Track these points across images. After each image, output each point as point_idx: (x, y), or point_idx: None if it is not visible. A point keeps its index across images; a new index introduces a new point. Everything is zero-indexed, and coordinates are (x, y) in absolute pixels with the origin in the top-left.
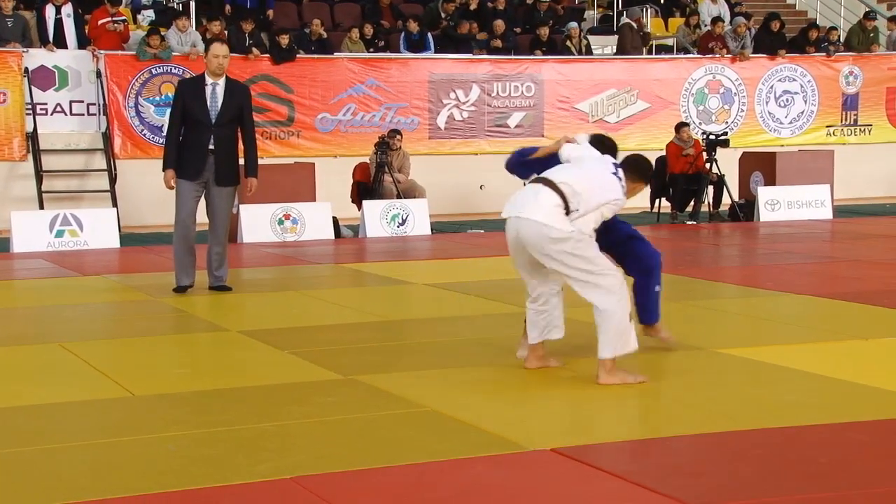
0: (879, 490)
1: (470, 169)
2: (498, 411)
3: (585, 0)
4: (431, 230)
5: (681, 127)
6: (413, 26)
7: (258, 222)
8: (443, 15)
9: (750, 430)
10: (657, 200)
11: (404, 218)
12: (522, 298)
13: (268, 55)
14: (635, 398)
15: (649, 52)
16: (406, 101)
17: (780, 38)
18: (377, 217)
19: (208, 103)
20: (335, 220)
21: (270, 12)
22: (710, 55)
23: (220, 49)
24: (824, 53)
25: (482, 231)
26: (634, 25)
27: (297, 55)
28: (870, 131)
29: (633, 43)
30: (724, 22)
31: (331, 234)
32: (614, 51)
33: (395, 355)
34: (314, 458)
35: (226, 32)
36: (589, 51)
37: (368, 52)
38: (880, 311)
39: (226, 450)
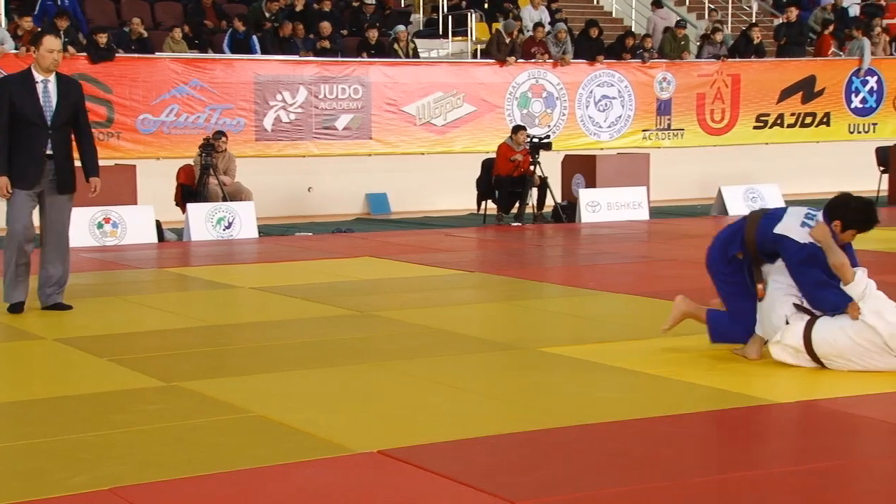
0: (689, 481)
1: (298, 171)
2: (325, 415)
3: (412, 3)
4: (258, 233)
5: (518, 130)
6: (239, 26)
7: (76, 226)
8: (267, 15)
9: (571, 426)
10: (483, 202)
11: (230, 221)
12: (351, 301)
13: (84, 54)
14: (461, 398)
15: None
16: (231, 102)
17: (599, 45)
18: (202, 220)
19: (41, 103)
20: (158, 224)
21: (81, 36)
22: (533, 60)
23: (54, 43)
24: (640, 60)
25: (311, 234)
26: (507, 38)
27: (117, 54)
28: (682, 135)
29: (499, 50)
30: (544, 27)
31: (153, 238)
32: (441, 54)
33: (219, 360)
34: (135, 467)
35: (38, 29)
36: (416, 54)
37: (191, 52)
38: None
39: (41, 462)
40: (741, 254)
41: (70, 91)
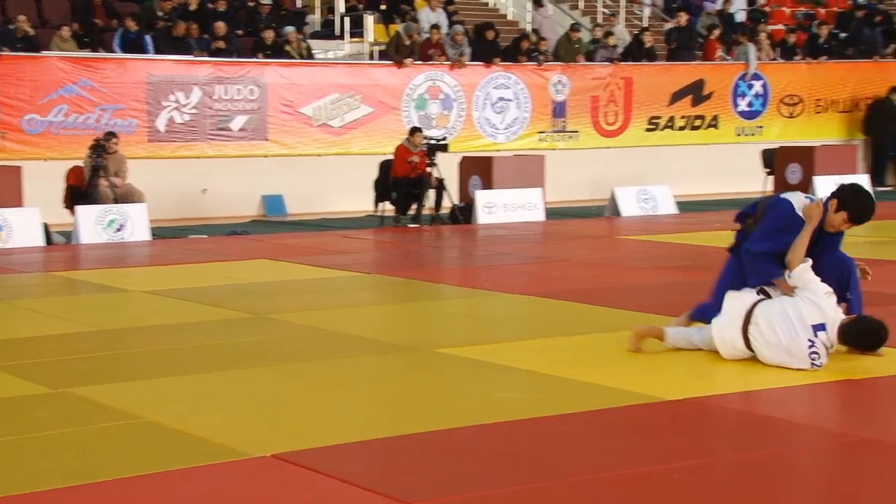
0: (581, 479)
1: (192, 173)
2: (219, 419)
3: (308, 4)
4: (152, 235)
5: (414, 131)
6: (131, 25)
7: None
8: (160, 14)
9: (467, 426)
10: (380, 204)
11: (122, 223)
12: (246, 304)
13: None
14: (358, 400)
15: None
16: (123, 102)
17: (495, 47)
18: (92, 222)
19: None
20: (45, 227)
21: None
22: (430, 62)
23: None
24: (535, 63)
25: (205, 236)
26: (406, 40)
27: (1, 53)
28: (577, 137)
29: (398, 51)
30: (439, 29)
31: (41, 241)
32: (338, 55)
33: (111, 366)
34: (23, 476)
35: None
36: (310, 55)
37: (81, 51)
38: (587, 308)
39: None
40: (751, 219)
41: None
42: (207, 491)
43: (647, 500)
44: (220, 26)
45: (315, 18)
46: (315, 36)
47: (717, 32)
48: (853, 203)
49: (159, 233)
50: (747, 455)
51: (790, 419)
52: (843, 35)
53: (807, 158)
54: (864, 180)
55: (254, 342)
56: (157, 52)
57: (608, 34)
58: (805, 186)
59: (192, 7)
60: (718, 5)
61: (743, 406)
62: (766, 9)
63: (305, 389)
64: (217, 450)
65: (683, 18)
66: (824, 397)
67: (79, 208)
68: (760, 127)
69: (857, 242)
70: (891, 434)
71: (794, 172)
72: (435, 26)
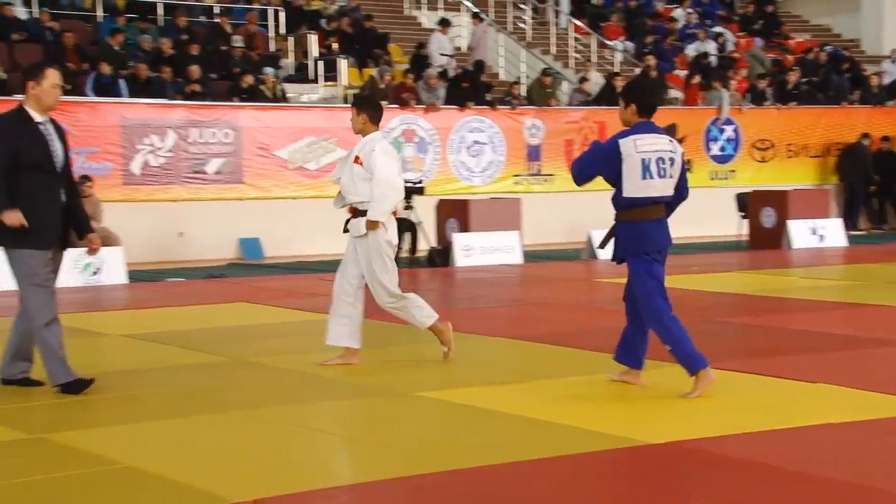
0: None
1: (168, 216)
2: (199, 464)
3: (280, 49)
4: (128, 279)
5: None
6: (105, 68)
7: None
8: (121, 51)
9: (448, 471)
10: None
11: (98, 267)
12: (225, 348)
13: None
14: (338, 444)
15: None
16: (97, 145)
17: (469, 91)
18: (68, 266)
19: (50, 147)
20: None
21: None
22: (404, 106)
23: (57, 77)
24: (508, 106)
25: (182, 279)
26: (381, 83)
27: None
28: (553, 180)
29: (372, 93)
30: (412, 74)
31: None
32: (312, 98)
33: (87, 411)
34: None
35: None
36: (284, 97)
37: None
38: (566, 350)
39: None
40: None
41: (62, 134)
42: None
43: None
44: (194, 70)
45: (289, 62)
46: (289, 80)
47: (697, 78)
48: (638, 94)
49: (136, 276)
50: (729, 499)
51: (781, 465)
52: (807, 81)
53: (780, 202)
54: (837, 224)
55: (233, 386)
56: (131, 95)
57: (582, 80)
58: (779, 230)
59: (167, 52)
60: (692, 50)
61: (719, 449)
62: (736, 55)
63: (285, 434)
64: (197, 495)
65: (652, 62)
66: (809, 441)
67: None
68: (733, 171)
69: (831, 286)
70: None
71: (768, 216)
72: (409, 71)
